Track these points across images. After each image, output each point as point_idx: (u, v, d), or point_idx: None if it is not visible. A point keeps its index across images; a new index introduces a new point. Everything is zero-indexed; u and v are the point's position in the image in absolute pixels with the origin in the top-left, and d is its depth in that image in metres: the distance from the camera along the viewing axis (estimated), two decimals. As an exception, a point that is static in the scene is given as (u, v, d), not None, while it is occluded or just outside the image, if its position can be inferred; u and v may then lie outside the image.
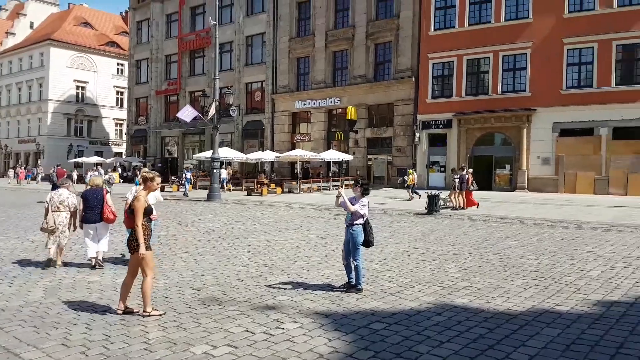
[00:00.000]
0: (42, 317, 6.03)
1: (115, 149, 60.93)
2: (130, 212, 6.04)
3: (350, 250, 7.11)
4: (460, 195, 19.08)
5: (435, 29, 30.22)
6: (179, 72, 45.30)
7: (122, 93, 59.60)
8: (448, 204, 19.11)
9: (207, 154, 36.35)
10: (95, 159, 52.07)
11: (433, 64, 30.25)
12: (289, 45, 37.61)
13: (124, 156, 53.81)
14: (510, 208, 19.32)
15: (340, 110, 35.52)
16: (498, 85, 28.25)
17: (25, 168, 51.14)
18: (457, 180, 19.05)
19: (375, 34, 33.39)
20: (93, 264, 8.75)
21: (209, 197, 24.51)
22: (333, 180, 32.33)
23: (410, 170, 24.48)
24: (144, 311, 5.96)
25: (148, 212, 6.04)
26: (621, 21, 25.01)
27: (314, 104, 36.13)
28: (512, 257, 9.62)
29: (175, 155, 46.73)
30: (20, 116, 60.98)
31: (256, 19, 39.90)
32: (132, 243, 5.93)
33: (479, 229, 13.83)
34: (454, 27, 29.65)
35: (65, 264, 8.98)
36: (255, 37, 40.34)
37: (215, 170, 25.87)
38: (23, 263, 9.27)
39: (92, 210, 8.74)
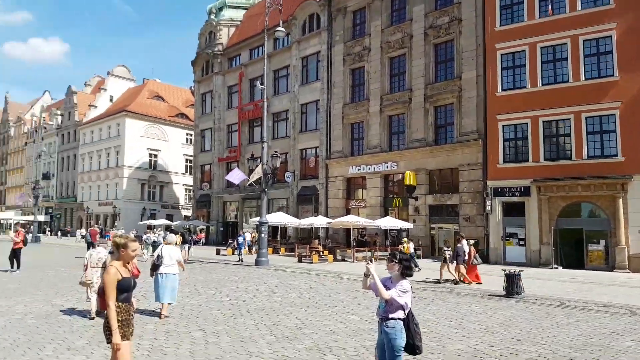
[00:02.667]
0: None
1: (184, 212, 57.87)
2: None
3: (384, 357, 4.47)
4: (457, 269, 15.26)
5: (503, 89, 24.42)
6: (238, 140, 41.61)
7: (190, 161, 57.08)
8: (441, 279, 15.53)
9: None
10: (164, 221, 49.81)
11: (503, 125, 24.09)
12: (343, 111, 32.88)
13: (191, 219, 50.73)
14: (613, 292, 14.02)
15: (397, 175, 29.99)
16: (583, 149, 21.76)
17: (101, 229, 49.17)
18: (447, 252, 15.83)
19: (435, 96, 28.06)
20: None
21: (257, 263, 21.19)
22: (390, 249, 26.45)
23: (405, 239, 20.58)
24: None
25: (124, 288, 4.25)
26: None
27: (369, 169, 30.82)
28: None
29: (235, 220, 42.57)
30: (100, 181, 59.25)
31: (310, 87, 35.71)
32: (106, 330, 4.20)
33: (577, 321, 9.40)
34: (524, 87, 23.70)
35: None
36: (309, 105, 36.03)
37: (263, 235, 21.79)
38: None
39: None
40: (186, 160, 58.53)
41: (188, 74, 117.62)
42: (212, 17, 47.06)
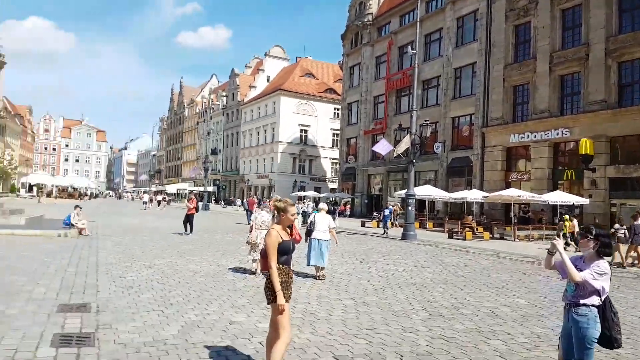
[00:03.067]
0: None
1: (330, 185, 58.99)
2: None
3: (572, 349, 3.74)
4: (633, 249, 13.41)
5: None
6: (385, 111, 40.30)
7: (336, 135, 57.70)
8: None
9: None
10: (312, 193, 51.34)
11: None
12: (504, 73, 29.27)
13: (337, 192, 51.38)
14: None
15: (569, 143, 25.75)
16: None
17: (260, 200, 52.64)
18: (621, 231, 13.93)
19: (619, 51, 23.29)
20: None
21: (404, 236, 20.07)
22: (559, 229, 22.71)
23: (567, 216, 18.43)
24: None
25: (285, 250, 4.08)
26: None
27: (535, 136, 26.97)
28: None
29: (380, 193, 41.53)
30: (258, 155, 63.39)
31: (466, 49, 32.63)
32: (267, 289, 4.07)
33: None
34: None
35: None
36: (464, 69, 33.00)
37: (410, 208, 20.67)
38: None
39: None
40: (333, 134, 59.38)
41: (337, 49, 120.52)
42: (362, -13, 45.89)
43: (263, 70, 70.09)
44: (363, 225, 28.73)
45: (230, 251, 13.35)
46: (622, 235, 13.88)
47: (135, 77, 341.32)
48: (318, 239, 9.42)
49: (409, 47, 37.83)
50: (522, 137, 27.89)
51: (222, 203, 64.70)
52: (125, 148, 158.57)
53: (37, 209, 26.31)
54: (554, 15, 26.56)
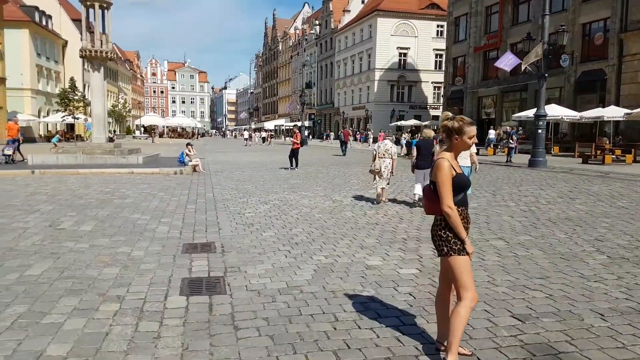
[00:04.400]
0: None
1: (432, 112, 55.81)
2: (433, 190, 3.07)
3: None
4: None
5: None
6: (500, 24, 36.02)
7: (440, 56, 53.54)
8: None
9: (530, 113, 27.29)
10: (413, 122, 49.16)
11: None
12: (655, -38, 24.17)
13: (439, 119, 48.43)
14: None
15: None
16: None
17: (356, 132, 51.74)
18: None
19: None
20: (415, 201, 9.18)
21: (531, 163, 18.37)
22: None
23: None
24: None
25: (461, 186, 3.02)
26: None
27: (692, 39, 22.34)
28: None
29: (493, 117, 38.26)
30: (354, 86, 61.54)
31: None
32: (439, 239, 3.04)
33: None
34: None
35: (392, 200, 9.83)
36: (599, -37, 27.82)
37: (540, 131, 18.57)
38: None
39: (424, 158, 8.89)
40: (436, 55, 55.32)
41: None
42: None
43: (358, -10, 65.83)
44: (477, 152, 26.59)
45: (340, 185, 12.76)
46: None
47: (231, 16, 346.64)
48: (461, 166, 8.41)
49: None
50: (675, 40, 23.31)
51: (321, 137, 64.62)
52: (225, 88, 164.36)
53: (152, 149, 27.88)
54: None
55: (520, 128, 31.77)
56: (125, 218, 7.78)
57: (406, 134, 38.24)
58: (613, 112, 23.03)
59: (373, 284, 4.57)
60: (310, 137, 66.21)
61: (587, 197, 10.52)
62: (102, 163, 16.67)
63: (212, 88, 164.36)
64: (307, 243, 6.23)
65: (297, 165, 17.86)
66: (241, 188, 11.98)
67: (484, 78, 38.70)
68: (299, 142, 18.32)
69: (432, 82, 56.00)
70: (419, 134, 26.66)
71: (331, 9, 66.94)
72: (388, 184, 9.73)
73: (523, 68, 18.06)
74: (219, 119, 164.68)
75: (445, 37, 46.17)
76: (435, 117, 53.00)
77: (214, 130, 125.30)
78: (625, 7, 25.88)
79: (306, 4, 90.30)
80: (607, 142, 23.10)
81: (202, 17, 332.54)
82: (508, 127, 30.35)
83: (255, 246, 6.03)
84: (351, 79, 61.85)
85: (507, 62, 19.64)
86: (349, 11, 64.42)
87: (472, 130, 3.03)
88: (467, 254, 2.98)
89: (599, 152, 20.98)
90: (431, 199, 3.09)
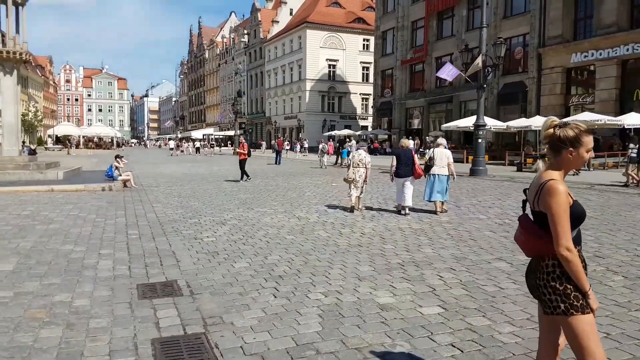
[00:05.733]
0: None
1: (361, 122, 56.59)
2: (535, 222, 2.28)
3: None
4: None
5: None
6: (425, 38, 37.00)
7: (367, 68, 54.69)
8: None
9: (458, 123, 28.03)
10: (346, 131, 49.28)
11: None
12: (566, -16, 25.79)
13: (369, 129, 48.96)
14: None
15: (644, 60, 22.84)
16: None
17: (287, 141, 50.99)
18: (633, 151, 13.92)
19: None
20: (399, 210, 9.26)
21: (473, 172, 18.54)
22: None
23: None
24: None
25: (579, 217, 2.22)
26: None
27: (600, 54, 24.08)
28: None
29: (419, 127, 39.11)
30: (285, 95, 60.80)
31: (520, -41, 28.82)
32: (552, 292, 2.18)
33: None
34: None
35: (368, 209, 9.87)
36: (517, -17, 29.38)
37: (480, 140, 18.99)
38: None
39: (404, 167, 9.05)
40: (362, 67, 56.23)
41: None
42: None
43: (285, 2, 65.33)
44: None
45: (296, 199, 11.76)
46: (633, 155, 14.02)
47: (153, 21, 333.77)
48: (438, 175, 9.26)
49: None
50: (585, 56, 24.95)
51: (259, 146, 62.93)
52: (147, 95, 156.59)
53: (71, 161, 25.10)
54: None
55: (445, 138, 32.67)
56: (55, 251, 6.23)
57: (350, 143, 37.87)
58: (538, 122, 24.06)
59: (401, 332, 3.63)
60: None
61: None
62: (15, 180, 14.36)
63: (132, 95, 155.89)
64: (292, 276, 5.17)
65: (247, 177, 16.42)
66: (187, 205, 10.58)
67: (411, 90, 39.55)
68: (245, 152, 16.92)
69: (360, 94, 56.70)
70: (347, 144, 26.60)
71: (259, 18, 65.84)
72: (362, 192, 9.69)
73: (464, 77, 18.26)
74: (140, 128, 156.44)
75: (372, 50, 46.86)
76: (364, 127, 53.70)
77: (134, 140, 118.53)
78: (542, 24, 27.41)
79: (233, 13, 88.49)
80: (533, 150, 24.12)
81: (120, 23, 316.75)
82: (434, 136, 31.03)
83: (231, 283, 4.87)
84: (282, 88, 61.02)
85: (447, 72, 19.86)
86: (278, 22, 63.75)
87: (591, 140, 2.25)
88: (592, 310, 2.17)
89: (529, 160, 21.75)
90: (535, 233, 2.25)
